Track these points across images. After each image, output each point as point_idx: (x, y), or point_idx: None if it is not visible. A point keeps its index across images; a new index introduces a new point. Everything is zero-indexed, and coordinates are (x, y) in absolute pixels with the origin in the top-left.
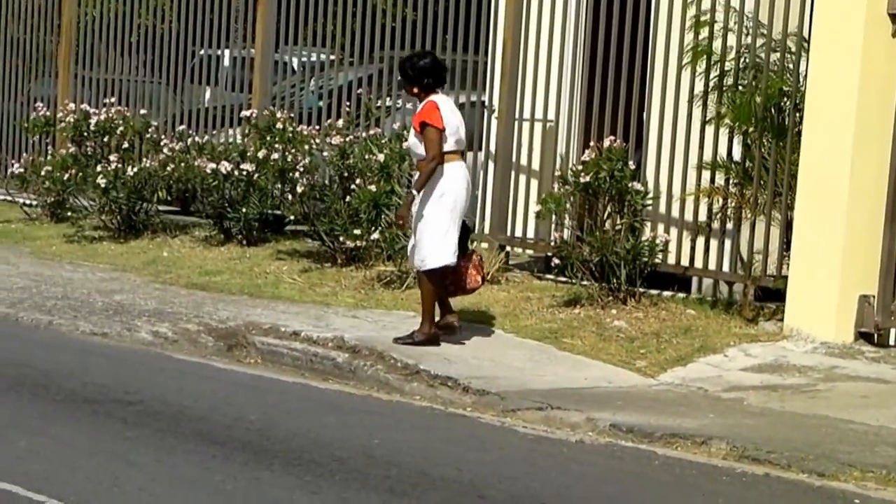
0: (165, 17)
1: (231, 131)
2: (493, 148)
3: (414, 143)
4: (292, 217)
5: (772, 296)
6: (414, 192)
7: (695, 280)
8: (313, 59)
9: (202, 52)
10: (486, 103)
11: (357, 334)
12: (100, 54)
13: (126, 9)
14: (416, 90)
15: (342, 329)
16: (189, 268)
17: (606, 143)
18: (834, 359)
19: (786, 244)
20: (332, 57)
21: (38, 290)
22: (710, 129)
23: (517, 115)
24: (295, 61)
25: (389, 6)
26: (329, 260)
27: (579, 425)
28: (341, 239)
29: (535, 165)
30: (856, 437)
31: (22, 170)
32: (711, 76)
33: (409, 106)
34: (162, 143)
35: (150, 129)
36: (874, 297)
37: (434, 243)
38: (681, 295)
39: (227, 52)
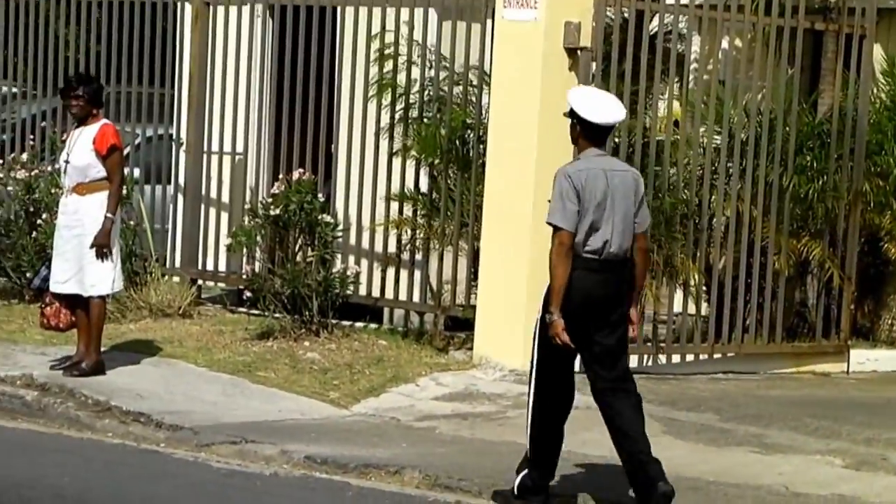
0: None
1: None
2: (181, 181)
3: (88, 164)
4: None
5: (462, 325)
6: (110, 215)
7: (386, 311)
8: None
9: None
10: (175, 136)
11: (46, 371)
12: None
13: None
14: (94, 111)
15: (31, 366)
16: None
17: (296, 175)
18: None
19: (473, 274)
20: (15, 89)
21: None
22: (397, 161)
23: (206, 148)
24: None
25: (73, 37)
26: (16, 296)
27: (273, 458)
28: (28, 275)
29: (226, 198)
30: None
31: None
32: (397, 108)
33: None
34: None
35: None
36: None
37: (114, 268)
38: (373, 326)
39: None
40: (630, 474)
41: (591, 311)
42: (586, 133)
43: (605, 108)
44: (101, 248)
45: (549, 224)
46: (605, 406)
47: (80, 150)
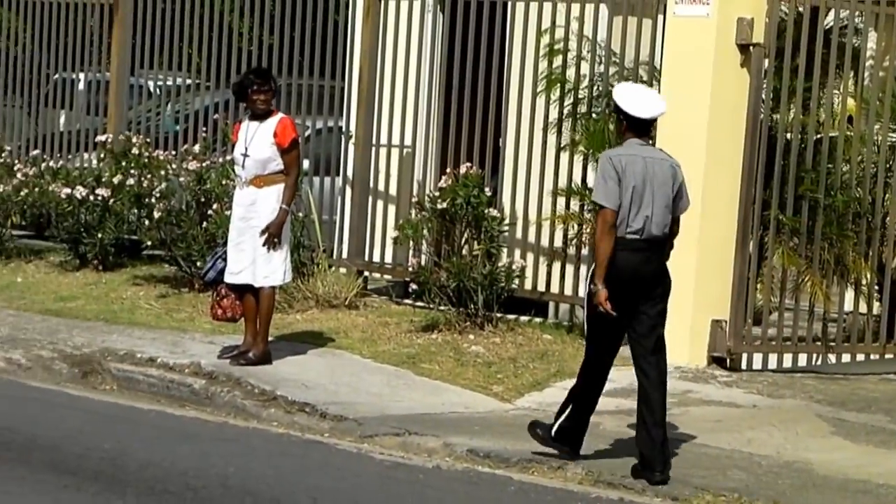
0: (19, 40)
1: (87, 156)
2: (350, 173)
3: (268, 158)
4: (149, 242)
5: None
6: (285, 207)
7: (552, 305)
8: (170, 82)
9: (57, 75)
10: (344, 129)
11: (214, 360)
12: None
13: None
14: (273, 103)
15: (199, 355)
16: (44, 293)
17: (463, 169)
18: (687, 383)
19: None
20: (189, 81)
21: None
22: (564, 156)
23: (374, 141)
24: (151, 85)
25: (246, 29)
26: (186, 285)
27: (436, 451)
28: (198, 264)
29: (393, 191)
30: (709, 461)
31: None
32: (566, 104)
33: None
34: (16, 168)
35: (3, 154)
36: (726, 321)
37: (285, 259)
38: (537, 320)
39: (82, 75)
40: (637, 434)
41: (637, 285)
42: (630, 125)
43: (646, 102)
44: (272, 237)
45: (593, 202)
46: (638, 370)
47: (260, 143)
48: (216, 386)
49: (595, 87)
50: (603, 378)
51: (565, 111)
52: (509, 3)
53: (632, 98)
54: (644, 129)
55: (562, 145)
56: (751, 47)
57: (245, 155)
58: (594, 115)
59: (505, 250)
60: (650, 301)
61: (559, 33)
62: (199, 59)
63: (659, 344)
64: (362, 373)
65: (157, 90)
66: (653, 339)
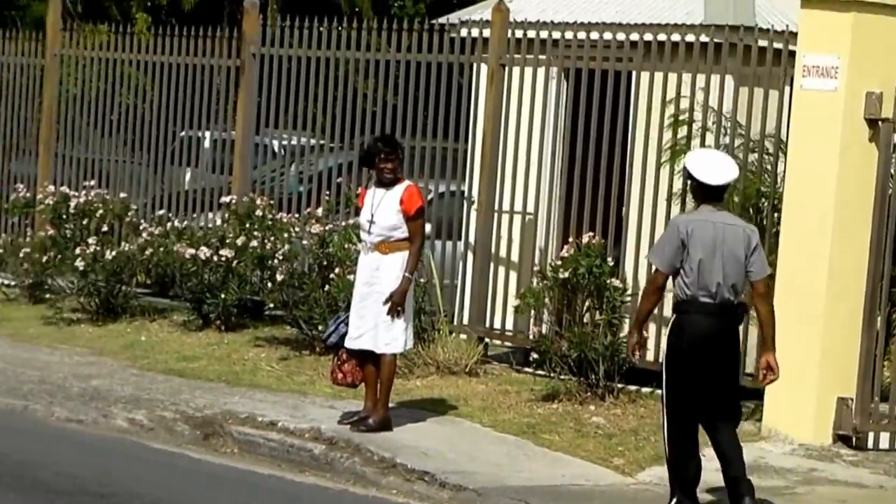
0: (147, 97)
1: (210, 214)
2: (472, 239)
3: (393, 225)
4: (272, 305)
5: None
6: (409, 275)
7: None
8: (294, 142)
9: (183, 133)
10: (466, 194)
11: (334, 425)
12: (80, 133)
13: (108, 87)
14: (399, 171)
15: (319, 420)
16: (167, 353)
17: (585, 238)
18: (812, 461)
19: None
20: (313, 141)
21: (15, 374)
22: None
23: (496, 207)
24: (276, 144)
25: (371, 90)
26: (307, 348)
27: None
28: (320, 328)
29: (515, 257)
30: None
31: (0, 250)
32: None
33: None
34: (141, 227)
35: (129, 213)
36: (852, 399)
37: (408, 326)
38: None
39: (207, 133)
40: (729, 490)
41: (708, 349)
42: (701, 191)
43: (717, 169)
44: (396, 305)
45: (648, 259)
46: (713, 433)
47: (386, 209)
48: (336, 452)
49: None
50: (689, 446)
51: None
52: (634, 73)
53: (703, 165)
54: (716, 195)
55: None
56: (879, 122)
57: (371, 221)
58: None
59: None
60: (720, 365)
61: (684, 103)
62: (322, 119)
63: (731, 407)
64: (482, 442)
65: (282, 150)
66: (724, 404)
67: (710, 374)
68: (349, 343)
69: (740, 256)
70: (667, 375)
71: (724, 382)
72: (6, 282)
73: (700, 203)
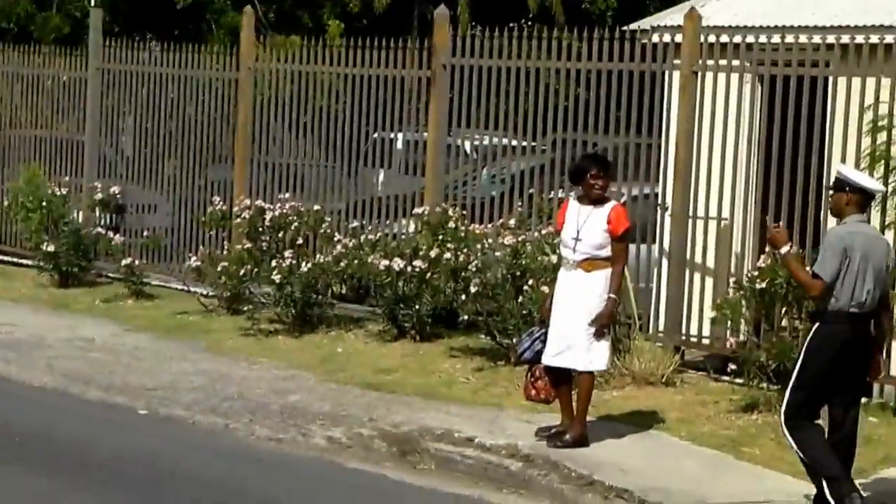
0: (340, 98)
1: (404, 221)
2: (666, 245)
3: (599, 244)
4: (466, 316)
5: None
6: (614, 296)
7: (875, 386)
8: (486, 142)
9: (375, 134)
10: (659, 199)
11: (531, 441)
12: (274, 136)
13: (300, 89)
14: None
15: (516, 435)
16: (363, 365)
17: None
18: None
19: None
20: (505, 141)
21: (214, 390)
22: (889, 234)
23: (691, 213)
24: (468, 145)
25: (563, 85)
26: (502, 358)
27: None
28: (514, 339)
29: (710, 263)
30: None
31: (199, 263)
32: (890, 181)
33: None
34: (336, 239)
35: (323, 224)
36: None
37: (608, 344)
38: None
39: (399, 134)
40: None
41: (851, 358)
42: (857, 202)
43: (872, 179)
44: (603, 327)
45: (814, 273)
46: (837, 433)
47: (593, 228)
48: (533, 469)
49: None
50: (817, 430)
51: (889, 188)
52: (830, 78)
53: (862, 175)
54: (867, 205)
55: (886, 223)
56: None
57: (577, 239)
58: None
59: None
60: (858, 373)
61: (883, 109)
62: (514, 116)
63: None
64: (681, 456)
65: (474, 150)
66: (851, 411)
67: (850, 377)
68: (547, 360)
69: (883, 268)
70: (802, 380)
71: (862, 384)
72: (205, 292)
73: (850, 213)
